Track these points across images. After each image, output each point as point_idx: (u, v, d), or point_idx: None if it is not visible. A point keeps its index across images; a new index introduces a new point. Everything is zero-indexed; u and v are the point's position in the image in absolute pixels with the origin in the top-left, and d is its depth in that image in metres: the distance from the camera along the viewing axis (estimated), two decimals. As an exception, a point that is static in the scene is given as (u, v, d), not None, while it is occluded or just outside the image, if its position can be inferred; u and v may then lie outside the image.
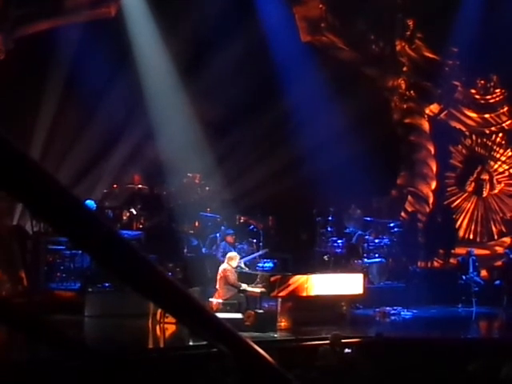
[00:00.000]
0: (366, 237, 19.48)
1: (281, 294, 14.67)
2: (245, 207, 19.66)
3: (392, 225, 20.36)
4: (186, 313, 1.90)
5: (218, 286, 14.38)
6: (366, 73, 22.31)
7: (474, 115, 22.58)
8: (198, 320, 1.93)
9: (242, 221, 19.15)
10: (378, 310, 16.97)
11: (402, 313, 17.17)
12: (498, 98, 22.39)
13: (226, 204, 19.61)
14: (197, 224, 19.14)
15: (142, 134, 19.73)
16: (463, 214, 22.33)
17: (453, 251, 21.10)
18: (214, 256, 17.16)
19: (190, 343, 12.51)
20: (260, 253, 16.82)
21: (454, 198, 22.45)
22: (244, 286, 14.36)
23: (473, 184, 22.40)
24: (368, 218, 20.26)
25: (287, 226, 19.90)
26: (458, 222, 22.19)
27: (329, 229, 19.00)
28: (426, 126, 22.65)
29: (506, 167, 22.42)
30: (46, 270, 16.90)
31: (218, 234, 17.94)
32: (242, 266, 15.10)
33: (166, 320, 14.01)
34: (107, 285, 15.95)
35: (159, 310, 13.73)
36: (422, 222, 21.98)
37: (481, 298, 18.51)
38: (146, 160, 19.99)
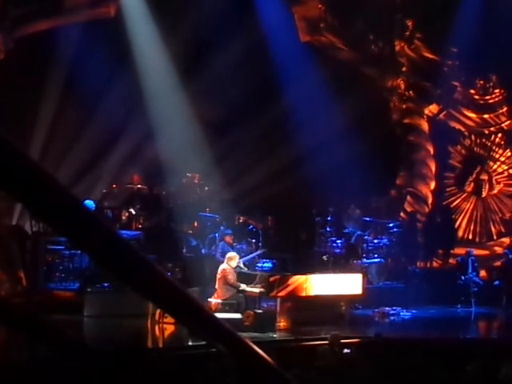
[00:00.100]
0: (365, 237, 19.49)
1: (280, 294, 14.68)
2: (244, 207, 19.66)
3: (391, 225, 20.36)
4: (185, 313, 1.90)
5: (217, 286, 14.38)
6: (365, 73, 22.31)
7: (473, 115, 22.58)
8: (197, 320, 1.93)
9: (241, 221, 19.15)
10: (377, 310, 16.97)
11: (401, 313, 17.17)
12: (497, 99, 22.39)
13: (225, 204, 19.61)
14: (196, 224, 19.14)
15: (142, 134, 19.73)
16: (462, 215, 22.33)
17: (452, 251, 21.11)
18: (213, 256, 17.16)
19: (189, 343, 12.51)
20: (257, 252, 16.82)
21: (453, 198, 22.46)
22: (243, 286, 14.36)
23: (472, 184, 22.41)
24: (367, 218, 20.26)
25: (286, 226, 19.90)
26: (457, 223, 22.19)
27: (328, 229, 19.00)
28: (425, 126, 22.65)
29: (505, 167, 22.43)
30: (45, 270, 16.90)
31: (217, 234, 17.94)
32: (241, 266, 15.11)
33: (165, 320, 14.01)
34: (106, 285, 15.95)
35: (158, 310, 13.72)
36: (421, 222, 21.98)
37: (480, 299, 18.51)
38: (145, 160, 19.99)
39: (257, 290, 14.40)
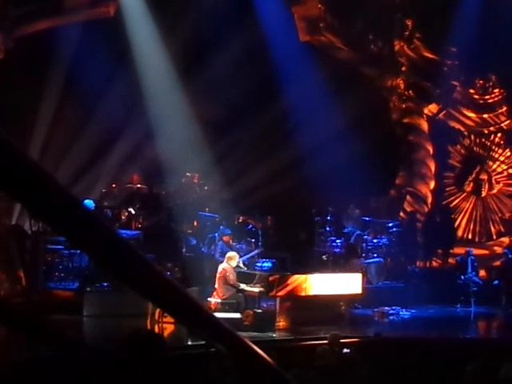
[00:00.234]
0: (365, 237, 19.50)
1: (279, 294, 14.68)
2: (244, 207, 19.67)
3: (391, 225, 20.36)
4: (185, 312, 1.90)
5: (216, 286, 14.38)
6: (364, 73, 22.31)
7: (472, 115, 22.58)
8: (196, 320, 1.93)
9: (240, 220, 19.16)
10: (376, 309, 16.98)
11: (401, 313, 17.17)
12: (496, 98, 22.39)
13: (224, 204, 19.61)
14: (195, 224, 19.15)
15: (141, 134, 19.73)
16: (462, 214, 22.33)
17: (451, 251, 21.11)
18: (213, 256, 17.16)
19: (189, 343, 12.51)
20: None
21: (452, 197, 22.46)
22: (243, 286, 14.36)
23: (471, 184, 22.41)
24: (367, 218, 20.26)
25: (286, 226, 19.91)
26: (457, 222, 22.20)
27: (327, 228, 19.00)
28: (424, 125, 22.65)
29: (505, 167, 22.43)
30: (45, 270, 16.90)
31: (216, 234, 17.94)
32: (241, 265, 15.11)
33: (164, 320, 14.01)
34: (106, 284, 15.95)
35: (158, 310, 13.72)
36: (420, 221, 21.99)
37: (479, 298, 18.51)
38: (144, 160, 19.99)
39: (256, 290, 14.41)
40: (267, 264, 15.84)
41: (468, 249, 20.38)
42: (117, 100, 19.10)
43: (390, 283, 19.18)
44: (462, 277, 19.30)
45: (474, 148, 22.65)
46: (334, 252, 18.55)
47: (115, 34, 18.77)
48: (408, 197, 22.47)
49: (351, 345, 12.29)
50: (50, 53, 18.38)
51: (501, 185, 22.43)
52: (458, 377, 10.65)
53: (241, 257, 15.54)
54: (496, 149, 22.50)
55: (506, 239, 21.83)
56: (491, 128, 22.54)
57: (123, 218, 18.29)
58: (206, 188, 20.37)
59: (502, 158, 22.46)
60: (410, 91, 22.49)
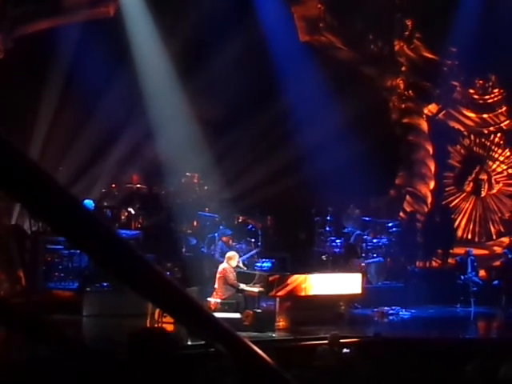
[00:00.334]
0: (365, 237, 19.49)
1: (279, 294, 14.68)
2: (243, 207, 19.66)
3: (390, 225, 20.35)
4: (184, 312, 1.90)
5: (216, 286, 14.37)
6: (364, 73, 22.31)
7: (472, 115, 22.58)
8: (195, 320, 1.93)
9: (240, 220, 19.15)
10: (376, 309, 16.98)
11: (401, 313, 17.18)
12: (496, 98, 22.39)
13: (224, 203, 19.61)
14: (195, 223, 19.14)
15: (141, 134, 19.72)
16: (462, 214, 22.34)
17: (451, 251, 21.11)
18: (213, 256, 17.16)
19: (188, 343, 12.50)
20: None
21: (452, 197, 22.46)
22: (242, 286, 14.36)
23: (471, 184, 22.41)
24: (366, 218, 20.25)
25: (286, 226, 19.91)
26: (457, 222, 22.20)
27: (327, 228, 19.00)
28: (424, 125, 22.65)
29: (505, 167, 22.43)
30: (45, 270, 16.89)
31: (216, 234, 17.93)
32: (241, 265, 15.10)
33: (164, 320, 13.99)
34: (105, 284, 15.95)
35: (157, 310, 13.71)
36: (420, 221, 21.98)
37: (479, 298, 18.51)
38: (144, 159, 19.99)
39: (256, 290, 14.40)
40: (267, 264, 15.83)
41: (468, 249, 20.38)
42: (116, 100, 19.09)
43: (390, 283, 19.18)
44: (462, 277, 19.30)
45: (474, 148, 22.65)
46: (333, 252, 18.54)
47: (115, 34, 18.77)
48: (408, 197, 22.47)
49: (351, 345, 12.30)
50: (50, 53, 18.38)
51: (500, 185, 22.43)
52: (458, 377, 10.66)
53: (240, 257, 15.53)
54: (496, 149, 22.50)
55: (505, 239, 21.83)
56: (491, 128, 22.54)
57: (123, 217, 18.29)
58: (205, 188, 20.37)
59: (501, 158, 22.47)
60: (410, 91, 22.49)
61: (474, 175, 22.38)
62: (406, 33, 22.20)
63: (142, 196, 19.20)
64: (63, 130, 18.58)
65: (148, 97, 19.71)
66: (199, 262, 17.28)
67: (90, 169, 19.22)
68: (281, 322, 14.68)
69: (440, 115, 22.56)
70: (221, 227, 18.05)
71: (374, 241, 19.63)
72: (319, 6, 21.76)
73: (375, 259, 19.17)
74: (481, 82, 22.31)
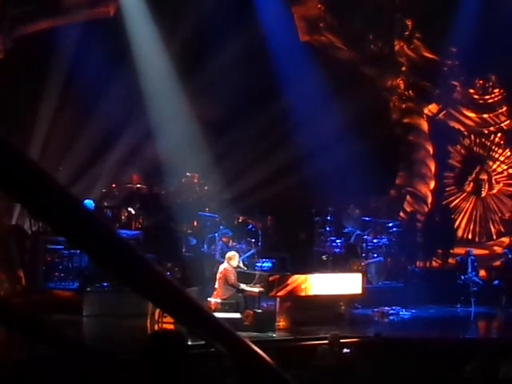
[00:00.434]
0: (365, 237, 19.48)
1: (279, 294, 14.67)
2: (243, 207, 19.65)
3: (391, 225, 20.34)
4: (184, 313, 1.90)
5: (217, 286, 14.37)
6: (364, 73, 22.30)
7: (472, 115, 22.57)
8: (196, 320, 1.93)
9: (240, 220, 19.14)
10: (376, 309, 16.97)
11: (401, 313, 17.17)
12: (496, 98, 22.39)
13: (224, 203, 19.60)
14: (195, 224, 19.13)
15: (141, 134, 19.72)
16: (462, 214, 22.33)
17: (451, 251, 21.10)
18: (213, 256, 17.16)
19: (189, 343, 12.48)
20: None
21: (452, 197, 22.45)
22: (243, 286, 14.35)
23: (471, 184, 22.40)
24: (367, 218, 20.24)
25: (286, 226, 19.90)
26: (457, 222, 22.19)
27: (327, 228, 18.99)
28: (424, 125, 22.65)
29: (505, 167, 22.43)
30: (45, 270, 16.90)
31: (216, 234, 17.92)
32: (241, 265, 15.10)
33: (164, 320, 13.99)
34: (105, 284, 15.95)
35: (157, 310, 13.71)
36: (420, 221, 21.97)
37: (479, 298, 18.51)
38: (144, 159, 19.98)
39: (256, 290, 14.40)
40: (267, 264, 15.83)
41: (468, 249, 20.38)
42: (117, 100, 19.08)
43: (390, 283, 19.18)
44: (462, 277, 19.29)
45: (474, 148, 22.64)
46: (333, 252, 18.54)
47: (115, 34, 18.76)
48: (408, 197, 22.46)
49: (351, 345, 12.30)
50: (50, 53, 18.38)
51: (501, 185, 22.42)
52: (458, 376, 10.66)
53: (240, 257, 15.52)
54: (496, 149, 22.50)
55: (506, 239, 21.83)
56: (491, 128, 22.54)
57: (123, 218, 18.29)
58: (205, 188, 20.36)
59: (501, 158, 22.46)
60: (410, 91, 22.49)
61: (474, 175, 22.37)
62: (406, 33, 22.19)
63: (142, 196, 19.20)
64: (63, 129, 18.57)
65: (148, 97, 19.71)
66: (199, 262, 17.28)
67: (90, 169, 19.22)
68: (281, 322, 14.68)
69: (440, 115, 22.56)
70: (221, 227, 18.05)
71: (375, 241, 19.62)
72: (319, 5, 21.76)
73: (375, 259, 19.17)
74: (481, 82, 22.31)
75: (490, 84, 22.32)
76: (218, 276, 14.44)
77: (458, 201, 22.43)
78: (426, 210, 22.40)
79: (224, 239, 17.01)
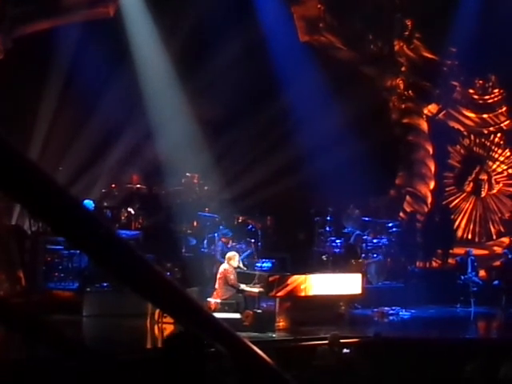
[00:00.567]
0: (365, 237, 19.48)
1: (279, 294, 14.67)
2: (243, 207, 19.65)
3: (390, 225, 20.34)
4: (184, 313, 1.90)
5: (217, 286, 14.36)
6: (364, 73, 22.30)
7: (472, 115, 22.57)
8: (195, 320, 1.93)
9: (240, 220, 19.13)
10: (376, 310, 16.97)
11: (401, 313, 17.17)
12: (496, 98, 22.39)
13: (224, 204, 19.60)
14: (195, 224, 19.12)
15: (141, 134, 19.72)
16: (462, 214, 22.33)
17: (451, 251, 21.10)
18: (213, 256, 17.16)
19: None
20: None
21: (452, 198, 22.46)
22: (242, 286, 14.35)
23: (471, 184, 22.40)
24: (366, 218, 20.23)
25: (286, 226, 19.90)
26: (457, 222, 22.19)
27: (327, 229, 18.98)
28: (424, 126, 22.65)
29: (505, 167, 22.43)
30: (44, 270, 16.90)
31: (216, 234, 17.92)
32: (241, 265, 15.09)
33: (164, 320, 14.01)
34: (105, 284, 15.95)
35: (157, 310, 13.72)
36: (420, 222, 21.98)
37: (479, 298, 18.51)
38: (144, 160, 19.98)
39: (256, 290, 14.40)
40: (267, 264, 15.82)
41: (468, 249, 20.37)
42: (116, 100, 19.08)
43: (390, 283, 19.18)
44: (462, 277, 19.29)
45: (474, 148, 22.64)
46: (333, 252, 18.53)
47: (115, 34, 18.77)
48: (408, 197, 22.46)
49: (351, 345, 12.30)
50: (50, 53, 18.38)
51: (500, 185, 22.42)
52: (458, 377, 10.67)
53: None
54: (496, 149, 22.50)
55: (505, 239, 21.83)
56: (491, 128, 22.54)
57: (123, 218, 18.28)
58: (205, 188, 20.35)
59: (501, 158, 22.47)
60: (410, 91, 22.49)
61: (473, 175, 22.38)
62: (406, 33, 22.19)
63: (142, 196, 19.19)
64: (63, 129, 18.57)
65: (148, 97, 19.71)
66: (199, 263, 17.28)
67: (90, 169, 19.22)
68: (281, 323, 14.68)
69: (440, 115, 22.56)
70: (221, 227, 18.05)
71: (374, 241, 19.62)
72: (319, 5, 21.76)
73: (375, 258, 19.18)
74: (481, 82, 22.31)
75: (490, 84, 22.32)
76: (218, 276, 14.44)
77: (458, 201, 22.43)
78: (426, 210, 22.40)
79: (223, 239, 17.01)
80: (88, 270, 16.05)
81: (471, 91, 22.44)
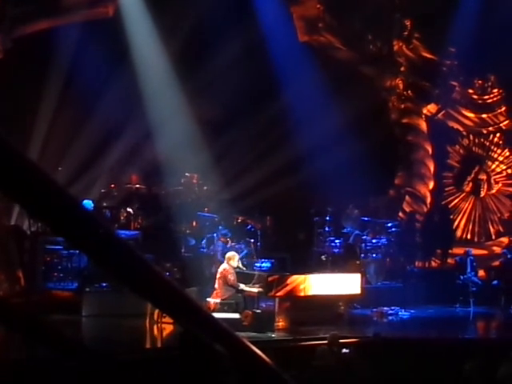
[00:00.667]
0: (364, 237, 19.48)
1: (278, 294, 14.67)
2: (243, 207, 19.65)
3: (390, 225, 20.34)
4: (183, 313, 1.91)
5: (216, 286, 14.36)
6: (363, 73, 22.30)
7: (471, 115, 22.58)
8: (194, 320, 1.93)
9: (239, 221, 19.13)
10: (375, 309, 16.97)
11: (400, 313, 17.17)
12: (495, 98, 22.39)
13: (223, 204, 19.60)
14: (194, 224, 19.11)
15: (140, 134, 19.72)
16: (461, 214, 22.33)
17: (450, 251, 21.11)
18: (212, 256, 17.16)
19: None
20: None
21: (451, 198, 22.46)
22: (242, 286, 14.35)
23: (470, 184, 22.41)
24: (366, 218, 20.23)
25: (285, 226, 19.90)
26: (456, 222, 22.19)
27: (326, 229, 18.98)
28: (423, 126, 22.65)
29: (504, 167, 22.42)
30: (44, 270, 16.89)
31: (215, 234, 17.93)
32: (240, 265, 15.09)
33: (163, 320, 14.01)
34: (104, 285, 15.95)
35: (156, 310, 13.71)
36: (419, 222, 21.98)
37: (478, 298, 18.50)
38: (143, 160, 19.98)
39: (255, 290, 14.39)
40: (266, 264, 15.82)
41: (467, 249, 20.37)
42: (116, 100, 19.08)
43: (389, 283, 19.18)
44: (461, 277, 19.28)
45: (473, 148, 22.64)
46: (332, 252, 18.54)
47: (114, 35, 18.77)
48: (407, 197, 22.47)
49: (350, 345, 12.30)
50: (49, 53, 18.38)
51: (500, 185, 22.42)
52: (457, 376, 10.67)
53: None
54: (495, 149, 22.50)
55: (505, 239, 21.82)
56: (490, 128, 22.53)
57: (122, 218, 18.27)
58: (205, 188, 20.35)
59: (500, 158, 22.46)
60: (409, 91, 22.49)
61: (473, 175, 22.38)
62: (405, 33, 22.19)
63: (142, 196, 19.19)
64: (63, 130, 18.58)
65: (147, 97, 19.71)
66: (198, 263, 17.28)
67: (90, 169, 19.22)
68: (280, 323, 14.67)
69: (439, 115, 22.56)
70: (220, 227, 18.06)
71: (374, 241, 19.62)
72: (318, 6, 21.77)
73: (374, 258, 19.20)
74: (480, 82, 22.31)
75: (489, 84, 22.31)
76: (217, 276, 14.44)
77: (457, 201, 22.43)
78: (425, 210, 22.40)
79: (222, 239, 17.01)
80: (87, 270, 16.05)
81: (470, 91, 22.44)
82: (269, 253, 16.95)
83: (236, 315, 13.91)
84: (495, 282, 19.29)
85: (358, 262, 18.50)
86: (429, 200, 22.49)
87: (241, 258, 15.78)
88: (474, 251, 20.49)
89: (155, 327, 14.25)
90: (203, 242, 18.15)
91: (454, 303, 18.72)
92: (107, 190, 19.63)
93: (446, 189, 22.54)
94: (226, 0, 19.51)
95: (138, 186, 19.46)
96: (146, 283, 1.80)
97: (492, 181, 22.37)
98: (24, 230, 17.36)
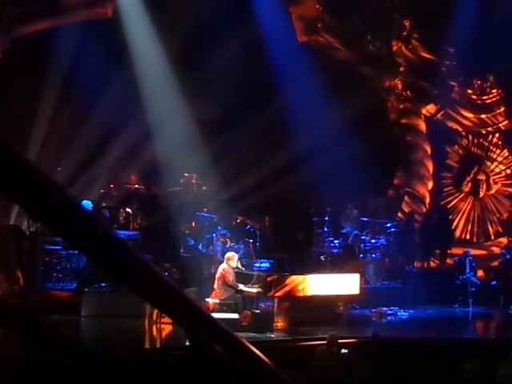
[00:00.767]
0: (363, 237, 19.49)
1: (277, 294, 14.67)
2: (242, 207, 19.65)
3: (389, 225, 20.35)
4: (182, 313, 1.91)
5: (215, 286, 14.36)
6: (362, 73, 22.31)
7: (470, 115, 22.59)
8: (193, 320, 1.93)
9: (238, 221, 19.13)
10: (374, 310, 16.97)
11: (399, 313, 17.17)
12: (494, 99, 22.40)
13: (222, 204, 19.59)
14: (193, 224, 19.11)
15: (139, 134, 19.72)
16: (460, 215, 22.34)
17: (449, 251, 21.10)
18: (212, 256, 17.16)
19: (187, 343, 12.49)
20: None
21: (450, 198, 22.47)
22: (241, 287, 14.34)
23: (469, 184, 22.42)
24: (365, 219, 20.24)
25: (284, 226, 19.90)
26: (455, 223, 22.20)
27: (325, 229, 18.99)
28: (422, 126, 22.66)
29: (503, 167, 22.44)
30: (43, 270, 16.88)
31: (214, 235, 17.93)
32: (239, 266, 15.09)
33: (162, 320, 14.00)
34: (104, 285, 15.94)
35: (156, 311, 13.71)
36: (418, 222, 21.98)
37: (477, 299, 18.51)
38: (142, 160, 19.98)
39: (254, 290, 14.39)
40: (265, 264, 15.82)
41: (466, 249, 20.37)
42: (115, 100, 19.08)
43: (388, 283, 19.18)
44: (460, 277, 19.28)
45: (472, 148, 22.65)
46: (332, 252, 18.54)
47: (113, 35, 18.78)
48: (406, 197, 22.48)
49: (349, 345, 12.30)
50: (48, 53, 18.39)
51: (499, 185, 22.43)
52: (457, 376, 10.67)
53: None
54: (494, 149, 22.51)
55: (504, 239, 21.82)
56: (489, 128, 22.55)
57: (121, 218, 18.27)
58: (204, 188, 20.34)
59: (499, 159, 22.48)
60: (408, 91, 22.50)
61: (472, 175, 22.39)
62: (404, 33, 22.21)
63: (141, 196, 19.19)
64: (61, 130, 18.58)
65: (146, 97, 19.72)
66: (197, 263, 17.27)
67: (89, 169, 19.22)
68: (279, 323, 14.67)
69: (438, 115, 22.57)
70: (219, 228, 18.06)
71: (373, 241, 19.62)
72: (317, 6, 21.77)
73: (373, 258, 19.20)
74: (479, 82, 22.32)
75: (488, 84, 22.33)
76: (216, 276, 14.43)
77: (456, 201, 22.44)
78: (424, 210, 22.41)
79: (221, 239, 17.01)
80: (86, 270, 16.05)
81: (469, 91, 22.45)
82: (268, 253, 16.96)
83: (235, 315, 13.91)
84: (494, 282, 19.29)
85: (357, 263, 18.51)
86: (428, 200, 22.50)
87: (239, 258, 15.79)
88: (473, 251, 20.49)
89: (154, 327, 14.25)
90: (202, 242, 18.15)
91: (453, 303, 18.73)
92: (106, 190, 19.62)
93: (445, 189, 22.55)
94: (225, 0, 19.51)
95: (137, 186, 19.45)
96: (145, 283, 1.80)
97: (491, 181, 22.39)
98: (23, 230, 17.35)
